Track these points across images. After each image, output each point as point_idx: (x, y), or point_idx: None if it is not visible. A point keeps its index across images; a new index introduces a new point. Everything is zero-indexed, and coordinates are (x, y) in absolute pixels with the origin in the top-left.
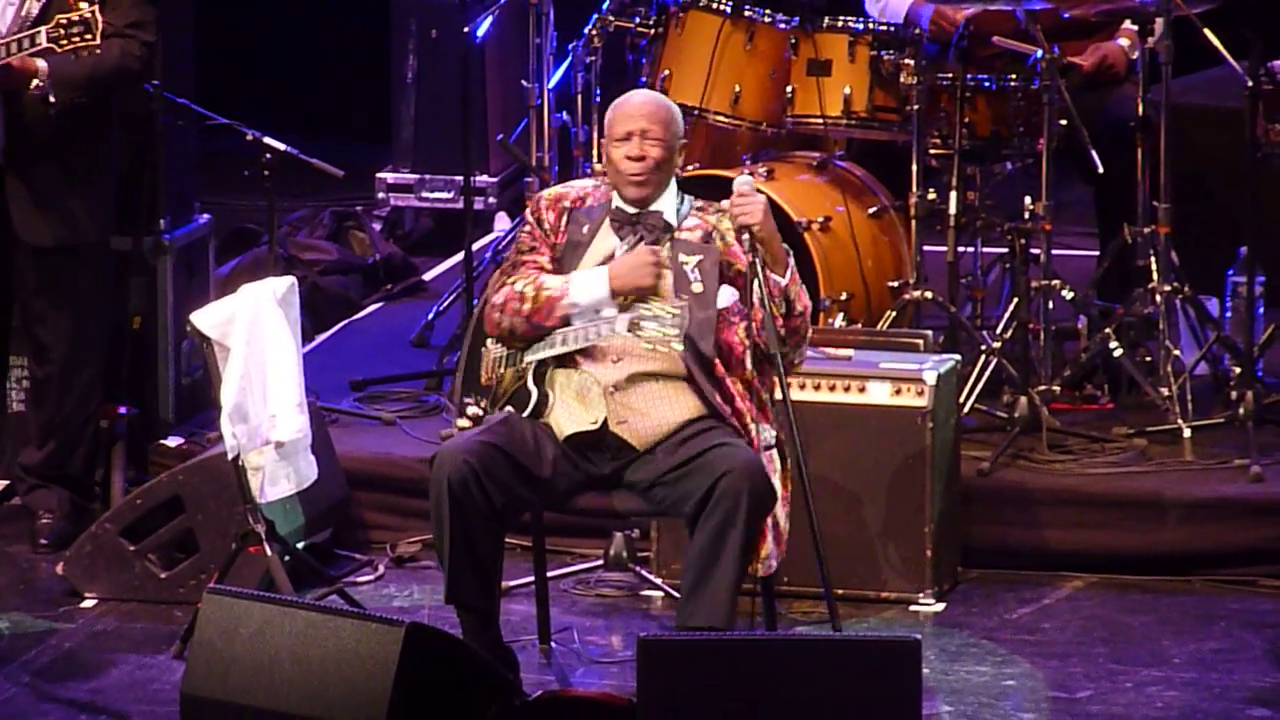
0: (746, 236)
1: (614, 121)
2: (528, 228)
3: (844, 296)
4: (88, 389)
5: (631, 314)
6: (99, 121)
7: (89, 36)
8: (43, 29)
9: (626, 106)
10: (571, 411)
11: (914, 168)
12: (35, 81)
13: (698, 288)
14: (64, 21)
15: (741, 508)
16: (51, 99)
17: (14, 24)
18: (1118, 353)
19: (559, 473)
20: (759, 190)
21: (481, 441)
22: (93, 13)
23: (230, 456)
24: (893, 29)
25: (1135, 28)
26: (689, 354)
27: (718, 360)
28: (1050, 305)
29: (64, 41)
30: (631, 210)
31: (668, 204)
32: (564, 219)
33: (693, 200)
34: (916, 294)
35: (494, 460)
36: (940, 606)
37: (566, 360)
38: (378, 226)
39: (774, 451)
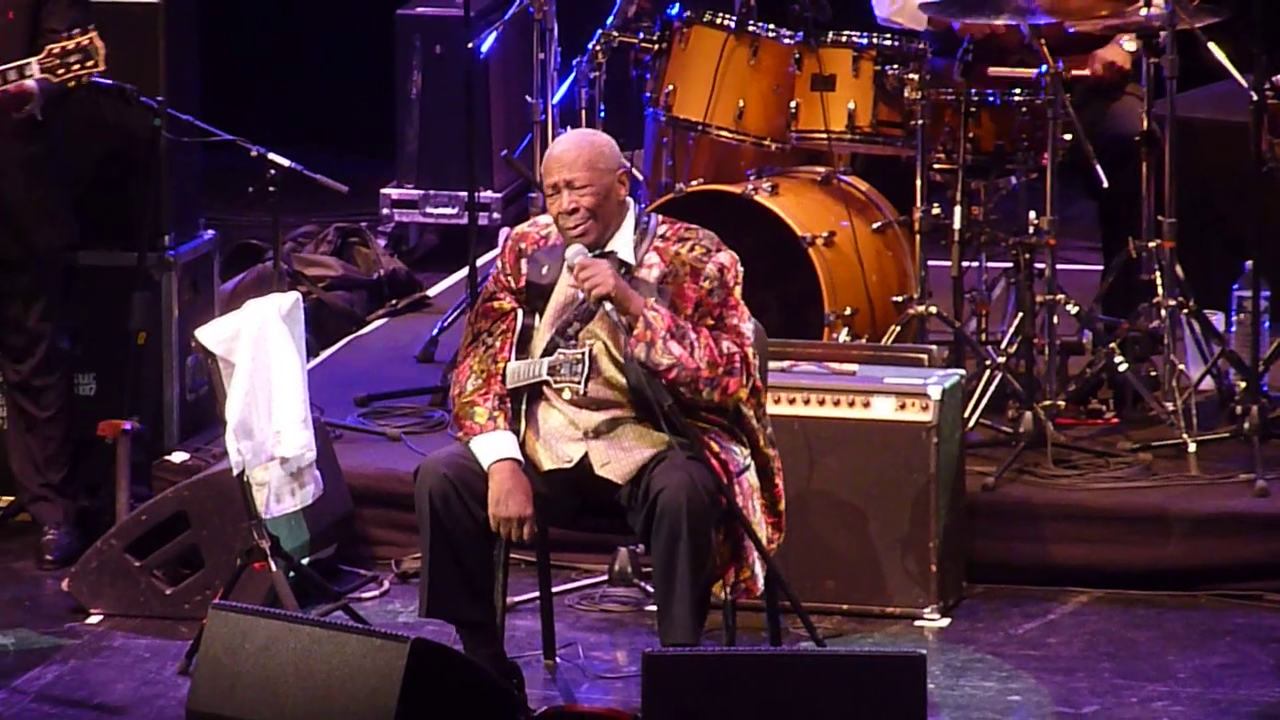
0: (608, 305)
1: (543, 176)
2: (494, 271)
3: (848, 311)
4: (64, 393)
5: (552, 359)
6: (53, 128)
7: (90, 64)
8: (34, 60)
9: (549, 159)
10: (549, 449)
11: (918, 182)
12: (28, 106)
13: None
14: (57, 51)
15: (683, 521)
16: (39, 118)
17: None
18: (1123, 367)
19: (548, 495)
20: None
21: (464, 456)
22: (91, 40)
23: (235, 472)
24: (897, 43)
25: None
26: (634, 399)
27: (669, 402)
28: (1055, 320)
29: (61, 70)
30: (590, 254)
31: (623, 240)
32: (521, 261)
33: (658, 223)
34: (921, 309)
35: (474, 475)
36: (945, 621)
37: (544, 397)
38: (382, 242)
39: (749, 475)
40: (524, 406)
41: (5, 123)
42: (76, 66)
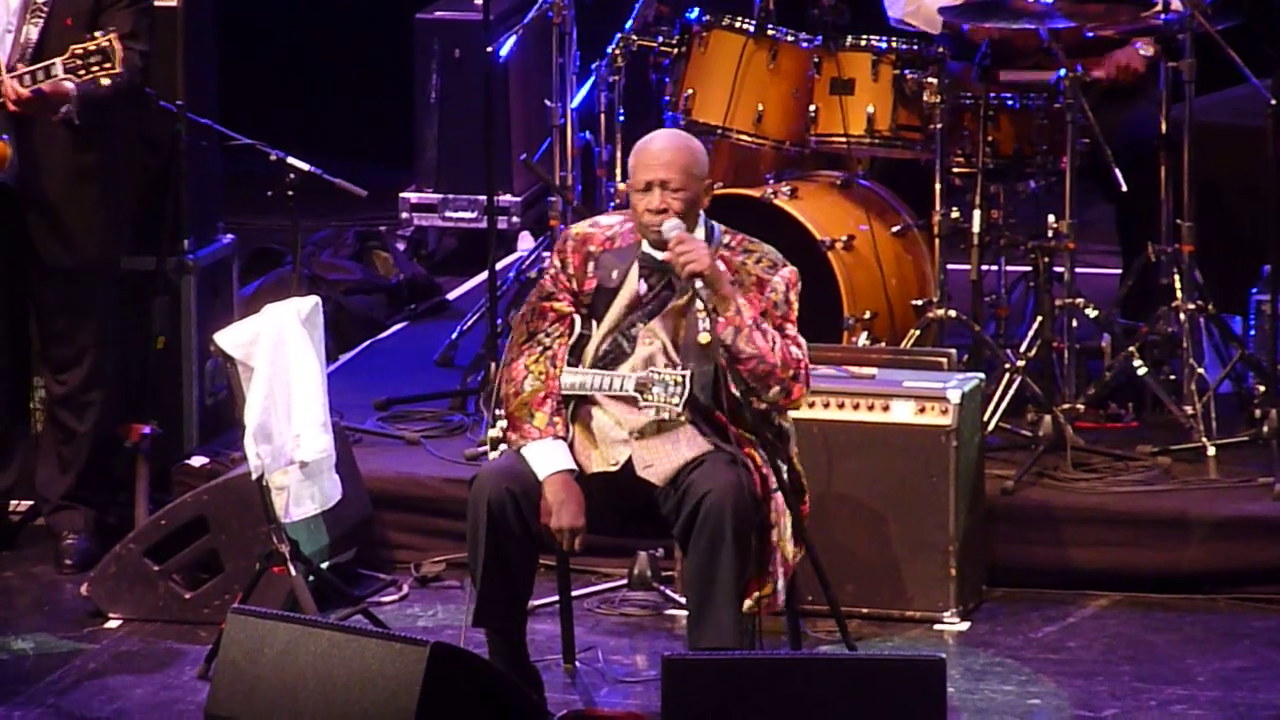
0: (699, 283)
1: (635, 169)
2: (552, 270)
3: (867, 315)
4: (104, 407)
5: (641, 375)
6: (105, 137)
7: (108, 65)
8: (58, 61)
9: (646, 154)
10: (595, 452)
11: (937, 186)
12: (64, 107)
13: (704, 338)
14: (80, 52)
15: (727, 525)
16: (76, 122)
17: (14, 52)
18: (1142, 371)
19: (597, 505)
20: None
21: (520, 467)
22: (110, 41)
23: (254, 476)
24: (916, 47)
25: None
26: (689, 407)
27: (719, 411)
28: (1074, 323)
29: (82, 72)
30: (659, 255)
31: None
32: (589, 264)
33: (722, 232)
34: (940, 312)
35: (534, 486)
36: (965, 625)
37: (590, 399)
38: (401, 246)
39: (781, 494)
40: (570, 407)
41: (46, 127)
42: (96, 68)
